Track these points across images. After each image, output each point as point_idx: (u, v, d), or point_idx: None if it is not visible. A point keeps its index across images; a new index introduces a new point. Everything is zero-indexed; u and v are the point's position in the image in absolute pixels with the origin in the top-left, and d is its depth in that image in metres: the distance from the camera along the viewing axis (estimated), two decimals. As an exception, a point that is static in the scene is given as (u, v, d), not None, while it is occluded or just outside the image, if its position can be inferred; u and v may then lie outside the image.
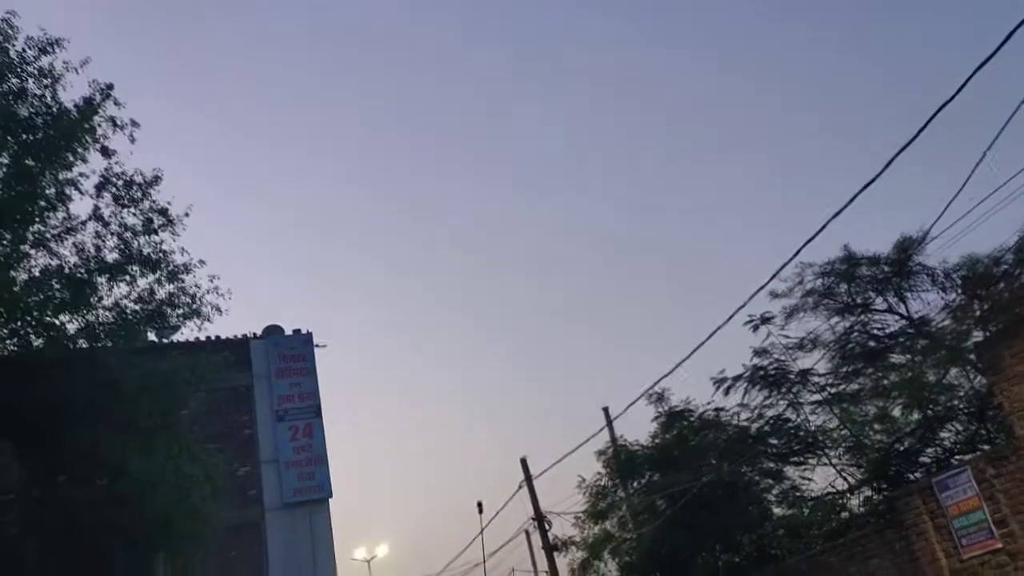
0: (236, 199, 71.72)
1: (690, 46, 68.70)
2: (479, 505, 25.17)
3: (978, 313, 15.21)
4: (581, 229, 76.07)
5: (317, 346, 22.55)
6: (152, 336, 13.73)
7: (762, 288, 13.76)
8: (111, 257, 12.12)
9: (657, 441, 21.18)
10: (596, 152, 74.98)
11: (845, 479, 18.06)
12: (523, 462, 23.41)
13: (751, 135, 69.34)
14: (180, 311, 12.63)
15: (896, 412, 16.92)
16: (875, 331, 17.41)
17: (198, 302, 12.68)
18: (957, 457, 15.65)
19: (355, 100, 75.19)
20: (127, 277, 12.23)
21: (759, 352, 18.88)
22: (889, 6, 61.94)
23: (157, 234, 12.41)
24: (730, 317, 13.83)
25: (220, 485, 14.94)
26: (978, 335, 14.87)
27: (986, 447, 14.72)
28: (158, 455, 12.51)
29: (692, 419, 20.67)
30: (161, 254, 12.39)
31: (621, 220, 74.85)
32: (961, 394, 15.83)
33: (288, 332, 22.80)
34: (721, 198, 69.53)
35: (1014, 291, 14.72)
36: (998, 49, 8.48)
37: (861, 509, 17.37)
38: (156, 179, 12.37)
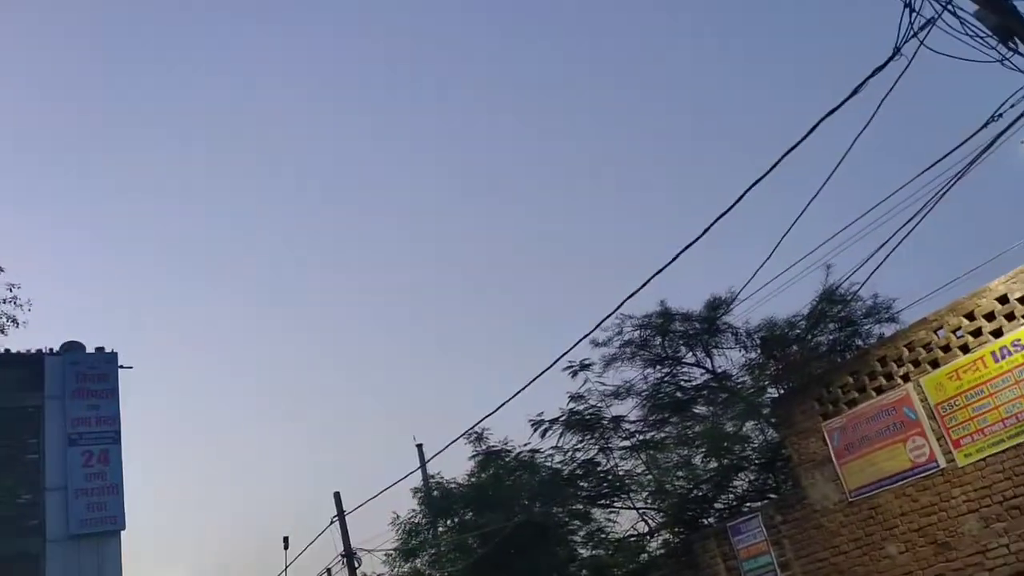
0: (47, 206, 66.18)
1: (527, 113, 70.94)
2: (285, 540, 24.28)
3: (773, 372, 16.57)
4: (415, 264, 75.98)
5: (122, 367, 21.16)
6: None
7: (585, 337, 14.27)
8: None
9: (473, 480, 21.33)
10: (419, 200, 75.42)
11: (647, 522, 18.91)
12: (336, 496, 22.85)
13: (584, 184, 72.24)
14: (-31, 322, 11.54)
15: (697, 460, 17.97)
16: (683, 383, 18.49)
17: (-9, 312, 11.64)
18: (748, 504, 16.81)
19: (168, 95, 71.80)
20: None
21: (576, 397, 19.50)
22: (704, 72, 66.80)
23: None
24: (553, 363, 14.21)
25: (-2, 513, 13.66)
26: (773, 392, 16.19)
27: (774, 496, 15.95)
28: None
29: (508, 459, 20.98)
30: (-46, 259, 11.31)
31: (453, 265, 75.46)
32: (755, 445, 17.08)
33: (90, 350, 21.26)
34: (553, 249, 71.76)
35: (805, 354, 16.20)
36: (803, 138, 9.40)
37: (660, 551, 18.23)
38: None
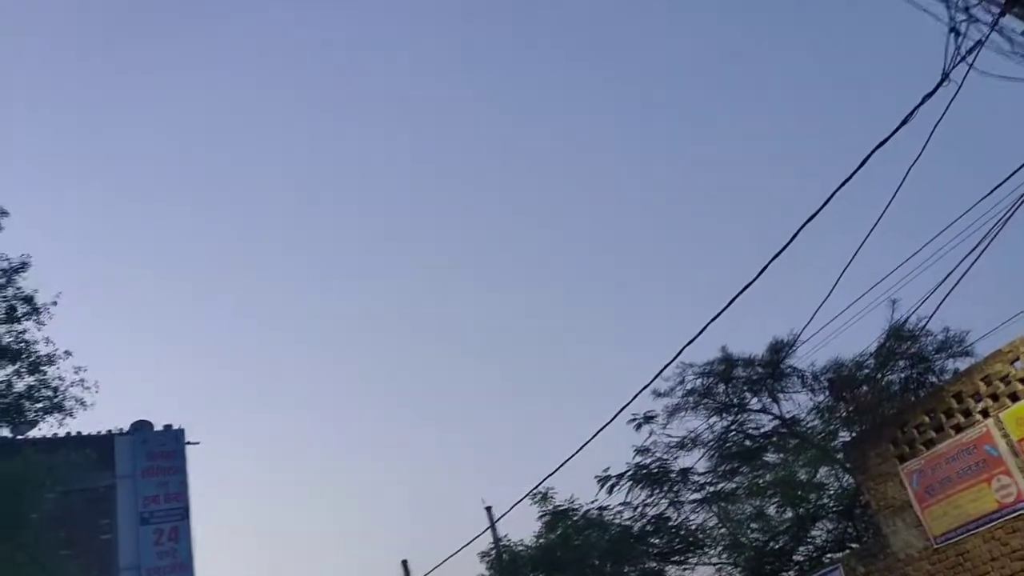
0: (111, 288, 68.64)
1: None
2: (357, 612, 24.08)
3: (843, 414, 15.99)
4: (464, 326, 76.31)
5: (189, 443, 21.49)
6: (6, 432, 12.79)
7: (646, 387, 14.02)
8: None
9: (541, 541, 20.96)
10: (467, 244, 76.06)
11: (724, 578, 18.27)
12: (404, 564, 22.68)
13: (636, 233, 72.06)
14: (40, 405, 11.86)
15: (771, 510, 17.38)
16: (751, 430, 17.99)
17: (60, 395, 11.96)
18: (828, 555, 16.11)
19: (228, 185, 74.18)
20: (-18, 368, 11.45)
21: (641, 450, 19.14)
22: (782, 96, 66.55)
23: (20, 323, 11.72)
24: (615, 415, 14.01)
25: (72, 596, 13.79)
26: (844, 435, 15.60)
27: (855, 545, 15.24)
28: (2, 564, 11.47)
29: (576, 518, 20.61)
30: (23, 344, 11.68)
31: (505, 319, 75.58)
32: (831, 493, 16.43)
33: (158, 428, 21.67)
34: (606, 298, 71.35)
35: (876, 394, 15.59)
36: (854, 172, 9.17)
37: (739, 608, 17.57)
38: (23, 265, 11.78)
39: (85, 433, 20.22)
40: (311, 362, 75.20)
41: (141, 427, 21.48)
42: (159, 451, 20.99)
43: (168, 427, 21.58)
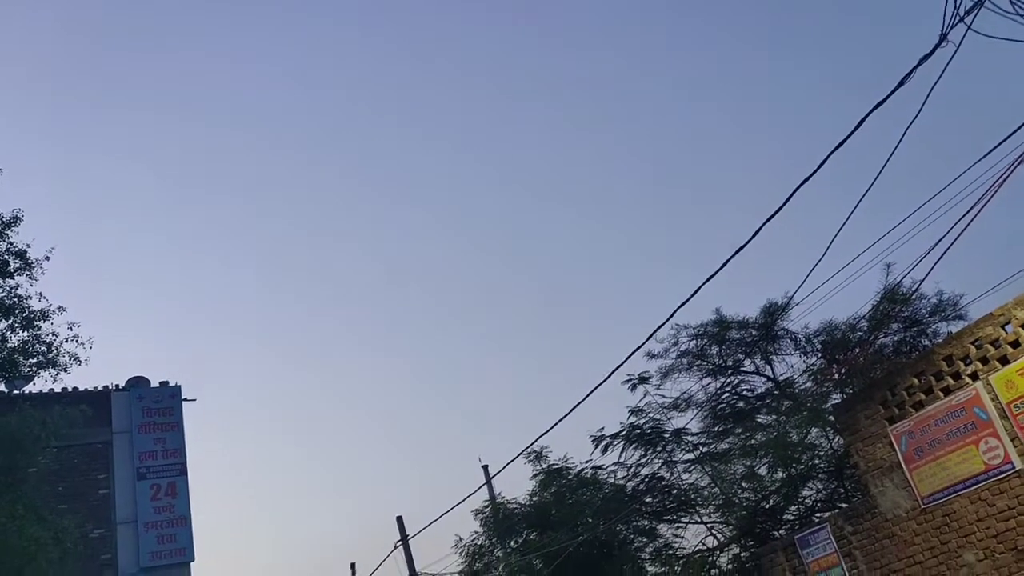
0: (108, 241, 68.46)
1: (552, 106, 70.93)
2: (352, 567, 24.45)
3: (836, 377, 16.07)
4: (469, 283, 76.33)
5: (185, 400, 21.59)
6: (1, 387, 12.85)
7: (639, 348, 14.05)
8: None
9: (535, 499, 21.16)
10: (467, 205, 75.81)
11: (715, 536, 18.49)
12: (399, 520, 22.96)
13: (631, 195, 71.78)
14: (34, 360, 11.89)
15: (763, 471, 17.53)
16: (744, 392, 18.12)
17: (55, 351, 11.98)
18: (817, 515, 16.30)
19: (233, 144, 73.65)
20: (-27, 323, 11.46)
21: (635, 411, 19.25)
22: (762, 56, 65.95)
23: (12, 277, 11.71)
24: (608, 376, 14.04)
25: (70, 548, 13.92)
26: (836, 397, 15.69)
27: (844, 505, 15.41)
28: (2, 516, 11.58)
29: (570, 477, 20.78)
30: (16, 299, 11.68)
31: (504, 277, 75.58)
32: (821, 454, 16.57)
33: (154, 384, 21.76)
34: (599, 262, 71.31)
35: (868, 356, 15.66)
36: (851, 133, 9.10)
37: (729, 567, 17.78)
38: (15, 219, 11.72)
39: (81, 389, 20.34)
40: (311, 318, 75.30)
41: (137, 383, 21.56)
42: (155, 407, 21.10)
43: (164, 383, 21.67)
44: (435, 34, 70.77)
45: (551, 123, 70.74)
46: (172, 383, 21.84)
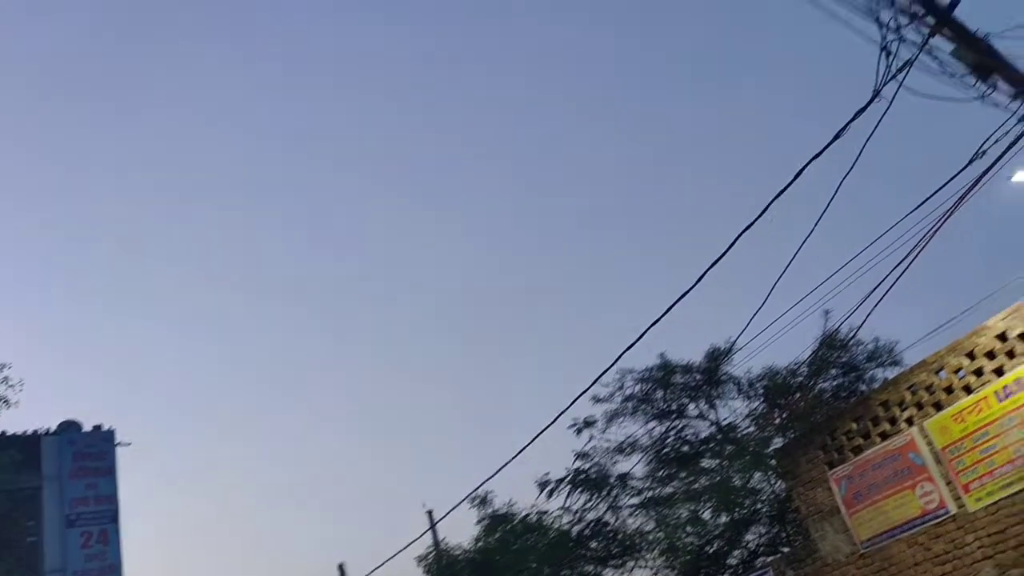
0: (46, 285, 66.47)
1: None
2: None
3: (777, 421, 16.30)
4: (424, 326, 75.82)
5: (119, 444, 20.91)
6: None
7: (584, 392, 14.07)
8: None
9: (480, 545, 20.88)
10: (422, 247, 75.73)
11: (660, 582, 18.43)
12: (340, 568, 22.43)
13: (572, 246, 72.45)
14: (-40, 403, 11.41)
15: (707, 515, 17.59)
16: (688, 436, 18.23)
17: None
18: (761, 559, 16.39)
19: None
20: None
21: (581, 455, 19.22)
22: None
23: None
24: (554, 420, 13.98)
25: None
26: (778, 442, 15.89)
27: (786, 549, 15.53)
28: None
29: (515, 522, 20.58)
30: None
31: (455, 325, 75.32)
32: (764, 498, 16.72)
33: (87, 428, 21.06)
34: (545, 306, 71.63)
35: (808, 401, 15.94)
36: (789, 184, 9.35)
37: (675, 612, 17.73)
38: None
39: (10, 433, 19.60)
40: (242, 369, 73.91)
41: (69, 428, 20.85)
42: (88, 452, 20.37)
43: (98, 427, 21.00)
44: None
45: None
46: (106, 427, 21.17)
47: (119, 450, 20.60)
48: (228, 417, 71.93)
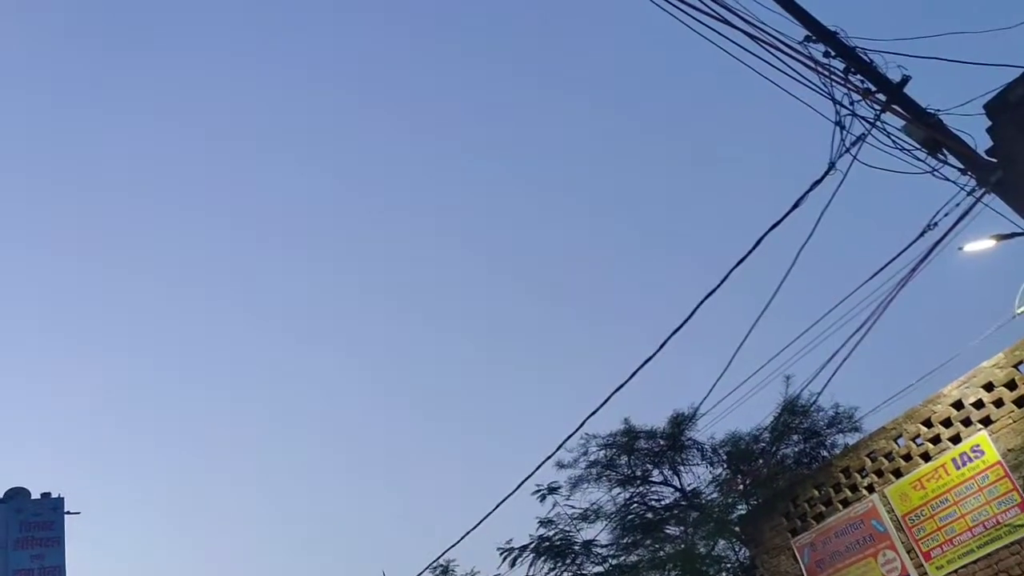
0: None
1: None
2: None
3: (741, 487, 16.28)
4: (380, 390, 75.03)
5: (68, 513, 20.18)
6: None
7: (548, 458, 13.97)
8: None
9: (442, 617, 20.35)
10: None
11: (624, 653, 18.07)
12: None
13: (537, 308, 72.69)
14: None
15: (671, 584, 17.38)
16: (652, 502, 18.10)
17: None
18: (727, 629, 16.19)
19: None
20: None
21: (545, 522, 18.97)
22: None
23: None
24: (517, 487, 13.86)
25: None
26: (742, 508, 15.86)
27: (751, 619, 15.37)
28: None
29: (477, 592, 20.14)
30: None
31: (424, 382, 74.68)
32: (728, 566, 16.59)
33: (35, 495, 20.33)
34: (504, 372, 71.47)
35: (771, 467, 15.98)
36: (749, 252, 9.54)
37: None
38: None
39: (-46, 501, 18.88)
40: (196, 427, 72.32)
41: (16, 495, 20.08)
42: (35, 521, 19.59)
43: (47, 495, 20.26)
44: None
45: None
46: (55, 494, 20.45)
47: (68, 519, 19.95)
48: (175, 487, 70.08)
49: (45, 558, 19.44)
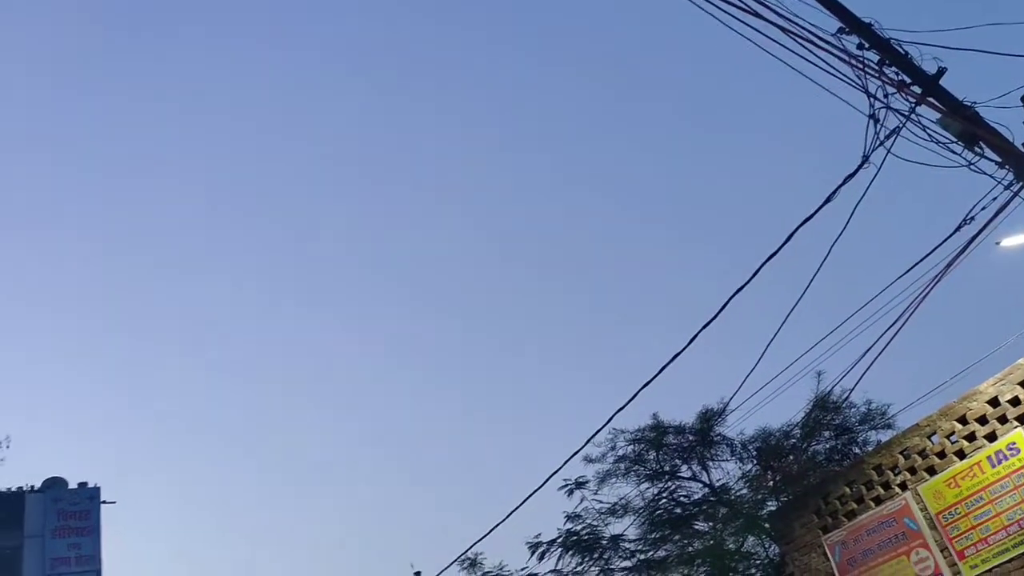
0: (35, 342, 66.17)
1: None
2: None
3: (771, 484, 16.18)
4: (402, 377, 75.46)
5: (104, 502, 20.52)
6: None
7: (576, 453, 14.03)
8: None
9: (470, 609, 20.46)
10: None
11: (652, 648, 18.06)
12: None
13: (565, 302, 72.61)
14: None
15: (700, 580, 17.34)
16: (681, 498, 18.06)
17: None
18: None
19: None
20: None
21: (572, 517, 19.02)
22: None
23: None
24: (545, 481, 13.93)
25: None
26: (772, 505, 15.77)
27: (781, 615, 15.28)
28: None
29: (505, 586, 20.22)
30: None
31: (448, 367, 75.02)
32: (758, 562, 16.51)
33: (72, 485, 20.72)
34: (537, 364, 71.51)
35: (802, 464, 15.86)
36: (780, 247, 9.47)
37: None
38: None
39: (-6, 490, 19.30)
40: (228, 425, 73.28)
41: (54, 484, 20.48)
42: (72, 510, 19.97)
43: (83, 485, 20.63)
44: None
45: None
46: (92, 484, 20.81)
47: (104, 508, 20.28)
48: (211, 480, 71.03)
49: (81, 547, 19.82)
